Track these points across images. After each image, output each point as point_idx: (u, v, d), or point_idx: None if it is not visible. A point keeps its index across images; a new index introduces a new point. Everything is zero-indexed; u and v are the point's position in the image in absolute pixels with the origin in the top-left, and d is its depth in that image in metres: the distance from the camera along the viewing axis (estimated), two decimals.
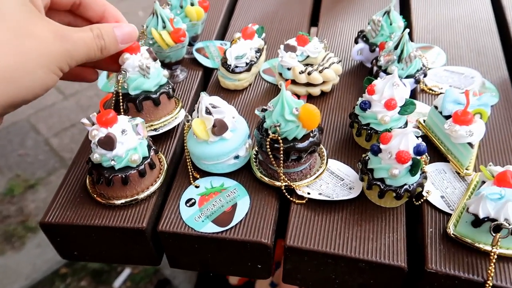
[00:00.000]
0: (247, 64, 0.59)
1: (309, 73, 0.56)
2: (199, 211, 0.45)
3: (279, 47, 0.64)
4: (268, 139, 0.44)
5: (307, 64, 0.59)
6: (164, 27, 0.56)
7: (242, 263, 0.47)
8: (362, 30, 0.63)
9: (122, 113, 0.49)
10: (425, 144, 0.41)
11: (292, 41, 0.58)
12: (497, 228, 0.38)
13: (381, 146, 0.42)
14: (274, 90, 0.61)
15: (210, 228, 0.44)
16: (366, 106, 0.48)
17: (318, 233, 0.43)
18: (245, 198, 0.46)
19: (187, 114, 0.48)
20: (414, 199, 0.45)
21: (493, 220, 0.38)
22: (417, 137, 0.41)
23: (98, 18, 0.45)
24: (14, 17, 0.35)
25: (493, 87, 0.59)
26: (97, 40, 0.40)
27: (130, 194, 0.46)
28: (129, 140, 0.44)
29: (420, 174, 0.43)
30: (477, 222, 0.39)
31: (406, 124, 0.49)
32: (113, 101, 0.50)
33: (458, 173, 0.48)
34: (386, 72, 0.55)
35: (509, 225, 0.37)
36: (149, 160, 0.46)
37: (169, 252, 0.48)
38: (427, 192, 0.46)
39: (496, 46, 0.67)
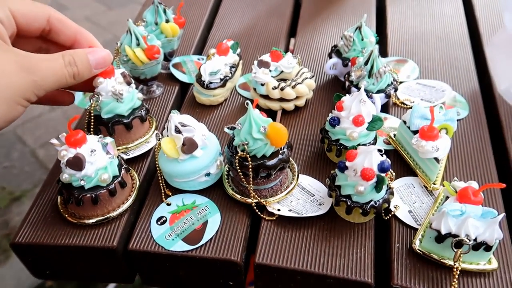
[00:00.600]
0: (221, 79, 0.59)
1: (282, 89, 0.57)
2: (170, 229, 0.45)
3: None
4: (237, 157, 0.44)
5: (281, 79, 0.60)
6: (138, 45, 0.56)
7: (214, 280, 0.47)
8: (336, 45, 0.64)
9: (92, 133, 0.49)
10: (389, 161, 0.41)
11: (266, 57, 0.59)
12: (459, 244, 0.39)
13: (347, 163, 0.42)
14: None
15: (180, 246, 0.44)
16: (335, 122, 0.48)
17: (288, 250, 0.44)
18: (216, 215, 0.47)
19: (158, 132, 0.48)
20: (382, 214, 0.46)
21: (455, 236, 0.39)
22: (381, 154, 0.42)
23: (70, 42, 0.45)
24: None
25: (464, 100, 0.60)
26: (69, 68, 0.40)
27: (101, 213, 0.46)
28: (99, 160, 0.44)
29: (386, 190, 0.43)
30: (440, 238, 0.39)
31: (375, 139, 0.50)
32: (85, 122, 0.50)
33: (426, 188, 0.48)
34: (357, 87, 0.56)
35: (470, 241, 0.38)
36: (119, 179, 0.46)
37: (141, 270, 0.48)
38: (395, 207, 0.46)
39: (468, 58, 0.68)
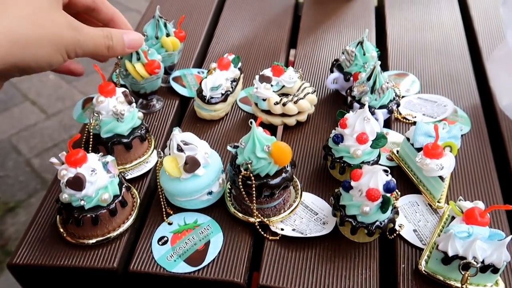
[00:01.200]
0: (222, 94, 0.59)
1: (284, 104, 0.56)
2: (171, 250, 0.45)
3: (256, 73, 0.64)
4: (240, 176, 0.44)
5: (282, 94, 0.60)
6: (139, 59, 0.56)
7: None
8: (337, 59, 0.63)
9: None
10: (394, 181, 0.41)
11: (267, 72, 0.59)
12: (466, 266, 0.38)
13: (352, 183, 0.42)
14: (251, 118, 0.61)
15: (182, 268, 0.43)
16: (338, 140, 0.48)
17: (292, 271, 0.43)
18: (218, 235, 0.46)
19: (160, 150, 0.47)
20: (387, 233, 0.45)
21: (462, 258, 0.38)
22: (387, 174, 0.41)
23: (107, 21, 0.50)
24: (38, 1, 0.41)
25: (465, 115, 0.60)
26: (106, 40, 0.46)
27: (101, 233, 0.45)
28: (99, 179, 0.43)
29: (391, 210, 0.43)
30: (446, 259, 0.39)
31: (379, 156, 0.50)
32: (83, 140, 0.49)
33: (431, 206, 0.48)
34: (360, 102, 0.56)
35: (477, 263, 0.38)
36: (120, 198, 0.45)
37: None
38: (400, 226, 0.46)
39: (468, 71, 0.68)
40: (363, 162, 0.48)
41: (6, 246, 1.27)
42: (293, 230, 0.46)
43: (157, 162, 0.52)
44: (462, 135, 0.57)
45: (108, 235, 0.45)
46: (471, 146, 0.56)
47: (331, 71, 0.63)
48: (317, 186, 0.51)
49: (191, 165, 0.45)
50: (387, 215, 0.42)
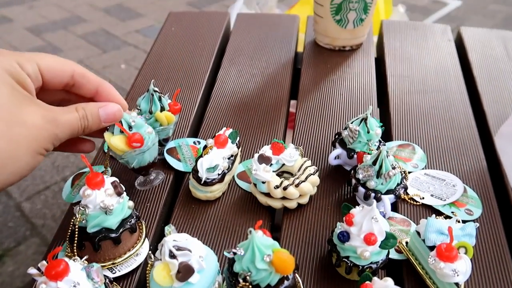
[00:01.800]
0: (219, 174, 0.56)
1: (284, 188, 0.53)
2: None
3: (255, 147, 0.61)
4: (239, 286, 0.40)
5: (283, 171, 0.56)
6: (122, 131, 0.51)
7: None
8: (339, 133, 0.61)
9: (75, 250, 0.45)
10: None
11: (267, 150, 0.56)
12: None
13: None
14: (250, 198, 0.57)
15: None
16: (344, 238, 0.44)
17: None
18: None
19: (150, 253, 0.44)
20: None
21: None
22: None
23: (91, 95, 0.47)
24: (4, 105, 0.38)
25: (476, 195, 0.57)
26: (82, 121, 0.44)
27: None
28: None
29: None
30: None
31: (388, 255, 0.46)
32: (68, 234, 0.46)
33: None
34: (365, 186, 0.53)
35: None
36: None
37: None
38: None
39: (475, 142, 0.66)
40: (371, 263, 0.44)
41: None
42: None
43: (147, 258, 0.48)
44: (473, 220, 0.54)
45: None
46: (484, 234, 0.52)
47: (333, 146, 0.61)
48: (321, 285, 0.47)
49: (184, 273, 0.41)
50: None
